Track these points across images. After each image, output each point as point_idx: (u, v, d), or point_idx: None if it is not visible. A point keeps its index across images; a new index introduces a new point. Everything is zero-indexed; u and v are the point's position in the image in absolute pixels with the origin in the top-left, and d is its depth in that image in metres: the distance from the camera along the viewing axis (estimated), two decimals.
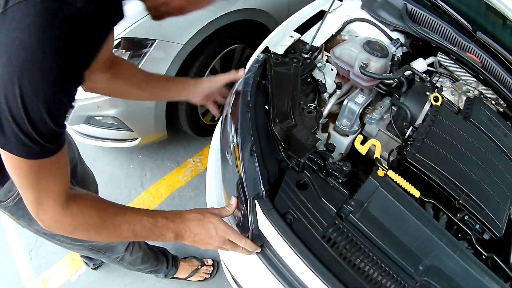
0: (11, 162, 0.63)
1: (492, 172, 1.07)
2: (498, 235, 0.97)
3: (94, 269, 1.85)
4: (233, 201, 0.97)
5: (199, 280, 1.82)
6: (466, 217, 1.03)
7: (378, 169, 0.95)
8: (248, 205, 0.93)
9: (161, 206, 2.15)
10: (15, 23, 0.52)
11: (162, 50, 1.64)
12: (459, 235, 1.00)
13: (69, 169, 0.73)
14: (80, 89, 0.64)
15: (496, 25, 1.63)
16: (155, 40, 1.60)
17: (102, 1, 0.59)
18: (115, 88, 1.08)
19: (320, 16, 1.50)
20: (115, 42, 1.48)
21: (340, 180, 0.97)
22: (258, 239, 0.94)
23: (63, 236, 1.10)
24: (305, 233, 0.90)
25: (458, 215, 1.06)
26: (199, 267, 1.82)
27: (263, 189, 0.93)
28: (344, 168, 0.94)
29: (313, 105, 1.18)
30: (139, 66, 1.55)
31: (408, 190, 0.93)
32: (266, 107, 1.16)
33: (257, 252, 0.95)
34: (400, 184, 0.94)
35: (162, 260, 1.65)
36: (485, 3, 1.53)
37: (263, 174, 0.96)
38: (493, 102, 1.47)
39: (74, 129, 1.96)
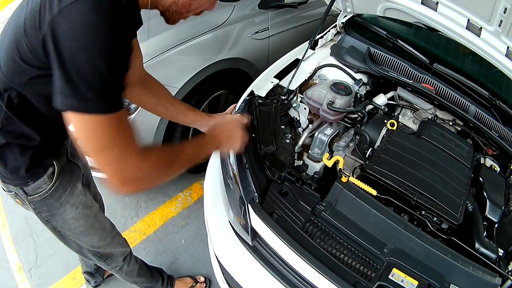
0: (94, 127, 0.76)
1: (445, 174, 1.30)
2: (455, 223, 1.17)
3: (95, 287, 1.96)
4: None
5: None
6: (423, 212, 1.24)
7: (342, 176, 1.20)
8: (245, 208, 1.16)
9: (156, 233, 2.32)
10: (73, 16, 0.71)
11: None
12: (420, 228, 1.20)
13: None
14: None
15: (452, 53, 1.87)
16: None
17: None
18: (147, 101, 1.34)
19: (296, 63, 1.79)
20: None
21: (313, 187, 1.21)
22: None
23: (76, 235, 1.24)
24: (288, 227, 1.12)
25: (417, 212, 1.28)
26: (193, 284, 1.97)
27: (256, 194, 1.17)
28: (315, 175, 1.19)
29: (290, 135, 1.46)
30: None
31: (366, 190, 1.18)
32: (253, 135, 1.43)
33: (250, 247, 1.18)
34: (360, 186, 1.18)
35: (157, 278, 1.80)
36: (442, 36, 1.71)
37: (255, 183, 1.20)
38: (451, 123, 1.71)
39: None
